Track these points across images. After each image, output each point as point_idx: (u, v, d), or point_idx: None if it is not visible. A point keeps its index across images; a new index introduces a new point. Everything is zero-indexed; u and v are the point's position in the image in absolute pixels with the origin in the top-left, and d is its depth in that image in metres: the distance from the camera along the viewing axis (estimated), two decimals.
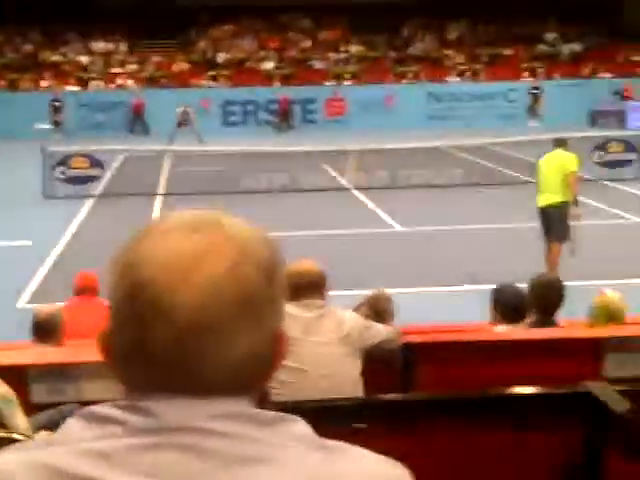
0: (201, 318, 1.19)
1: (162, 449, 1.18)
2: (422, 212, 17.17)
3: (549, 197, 11.77)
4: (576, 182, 11.92)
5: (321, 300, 5.08)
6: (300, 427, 1.25)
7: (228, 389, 1.22)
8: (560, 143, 12.27)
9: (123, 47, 39.68)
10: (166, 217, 1.30)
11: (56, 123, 34.56)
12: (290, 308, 4.94)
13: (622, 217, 16.58)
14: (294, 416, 1.26)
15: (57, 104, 34.71)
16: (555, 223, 11.69)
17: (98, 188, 20.55)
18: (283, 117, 36.25)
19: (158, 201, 18.76)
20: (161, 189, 20.62)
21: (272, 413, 1.25)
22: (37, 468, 1.19)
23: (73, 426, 1.24)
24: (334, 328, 5.00)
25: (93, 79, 37.50)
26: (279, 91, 36.54)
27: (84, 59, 38.61)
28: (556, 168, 11.79)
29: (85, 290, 7.89)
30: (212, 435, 1.19)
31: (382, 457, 1.28)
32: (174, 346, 1.19)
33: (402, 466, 1.29)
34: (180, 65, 38.64)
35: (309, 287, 5.03)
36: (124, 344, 1.22)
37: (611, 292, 6.34)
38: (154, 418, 1.20)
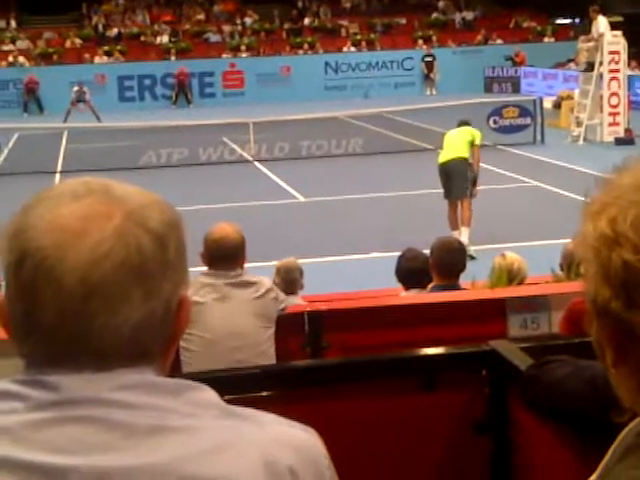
0: (89, 284, 1.16)
1: (65, 423, 1.16)
2: (324, 182, 17.23)
3: (450, 154, 11.98)
4: (479, 157, 12.13)
5: (238, 269, 5.03)
6: (207, 394, 1.25)
7: (128, 359, 1.20)
8: (465, 123, 12.53)
9: (13, 23, 38.66)
10: (53, 186, 1.27)
11: None
12: (205, 277, 4.90)
13: (520, 181, 16.90)
14: (200, 384, 1.25)
15: None
16: (456, 178, 11.78)
17: None
18: (181, 90, 35.78)
19: (56, 179, 18.43)
20: (59, 167, 20.24)
21: (177, 381, 1.24)
22: None
23: None
24: (249, 294, 4.96)
25: None
26: (175, 65, 36.08)
27: None
28: (462, 134, 12.07)
29: None
30: (116, 406, 1.17)
31: (292, 422, 1.29)
32: (64, 314, 1.17)
33: (312, 430, 1.30)
34: (73, 41, 37.84)
35: (225, 256, 4.95)
36: (17, 315, 1.20)
37: (511, 254, 6.47)
38: (55, 392, 1.17)
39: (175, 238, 1.25)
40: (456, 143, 12.03)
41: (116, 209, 1.21)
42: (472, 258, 9.97)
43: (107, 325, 1.18)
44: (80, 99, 30.48)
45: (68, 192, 1.23)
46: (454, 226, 11.76)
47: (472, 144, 11.98)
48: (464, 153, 11.90)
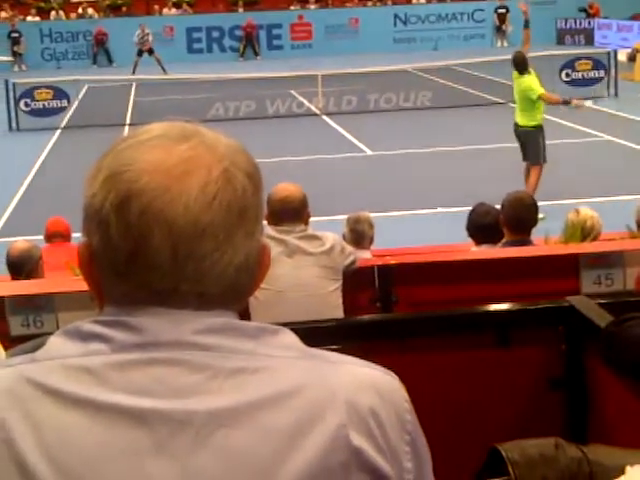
0: (200, 225, 1.16)
1: (149, 365, 1.16)
2: (392, 136, 17.11)
3: (520, 118, 11.66)
4: (550, 97, 11.82)
5: (302, 225, 5.06)
6: (287, 337, 1.24)
7: (219, 301, 1.21)
8: (518, 64, 11.69)
9: None
10: (144, 128, 1.25)
11: (15, 54, 33.88)
12: (271, 232, 4.93)
13: (593, 135, 16.61)
14: (280, 327, 1.25)
15: (15, 35, 33.97)
16: (528, 144, 11.57)
17: (64, 120, 20.29)
18: (248, 43, 35.74)
19: (125, 131, 18.57)
20: (128, 119, 20.39)
21: (258, 324, 1.24)
22: (19, 384, 1.17)
23: (57, 343, 1.21)
24: (314, 248, 4.99)
25: (53, 9, 36.76)
26: (243, 17, 36.02)
27: None
28: (524, 93, 11.55)
29: (56, 236, 7.78)
30: (199, 349, 1.17)
31: (373, 364, 1.28)
32: (175, 256, 1.16)
33: (393, 374, 1.28)
34: None
35: (291, 213, 5.00)
36: (117, 257, 1.18)
37: (585, 210, 6.36)
38: (141, 334, 1.18)
39: (261, 182, 1.26)
40: (522, 104, 11.55)
41: (214, 152, 1.21)
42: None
43: (215, 265, 1.19)
44: (144, 42, 30.57)
45: (164, 134, 1.22)
46: None
47: (536, 99, 11.43)
48: (533, 118, 11.49)
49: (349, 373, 1.23)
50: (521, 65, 11.62)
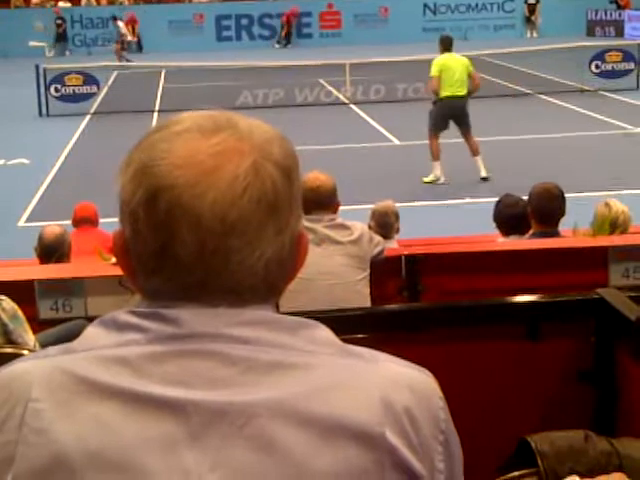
0: (228, 220, 1.16)
1: (185, 356, 1.16)
2: (420, 126, 17.01)
3: (457, 90, 12.65)
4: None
5: (332, 214, 5.08)
6: (323, 332, 1.24)
7: (252, 295, 1.20)
8: (446, 42, 13.18)
9: None
10: (177, 118, 1.25)
11: (59, 39, 34.08)
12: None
13: (622, 127, 16.47)
14: (316, 322, 1.25)
15: (59, 22, 34.13)
16: (467, 115, 12.68)
17: (94, 105, 20.37)
18: (289, 30, 35.63)
19: (154, 118, 18.62)
20: (157, 106, 20.44)
21: (295, 318, 1.23)
22: (55, 375, 1.17)
23: (93, 333, 1.21)
24: (343, 237, 5.01)
25: None
26: (273, 6, 35.99)
27: None
28: (462, 68, 12.70)
29: (84, 221, 7.82)
30: (237, 341, 1.17)
31: (407, 362, 1.28)
32: (203, 250, 1.16)
33: (427, 372, 1.28)
34: None
35: (321, 202, 5.02)
36: (149, 250, 1.18)
37: (614, 202, 6.32)
38: (175, 325, 1.18)
39: (296, 171, 1.25)
40: (461, 77, 12.58)
41: (245, 145, 1.19)
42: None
43: (244, 261, 1.18)
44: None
45: (195, 127, 1.21)
46: (437, 157, 12.75)
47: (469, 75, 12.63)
48: (466, 89, 12.65)
49: (384, 371, 1.23)
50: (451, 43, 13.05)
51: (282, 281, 1.25)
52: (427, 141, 12.82)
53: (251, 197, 1.17)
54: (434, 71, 12.73)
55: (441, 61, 12.80)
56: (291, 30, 35.63)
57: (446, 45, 13.05)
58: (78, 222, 7.83)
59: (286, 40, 35.48)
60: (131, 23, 34.46)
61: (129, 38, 31.04)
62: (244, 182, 1.17)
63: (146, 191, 1.17)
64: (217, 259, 1.17)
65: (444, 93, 12.64)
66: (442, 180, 12.72)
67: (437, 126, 12.85)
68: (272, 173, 1.19)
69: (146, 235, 1.18)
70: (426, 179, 12.78)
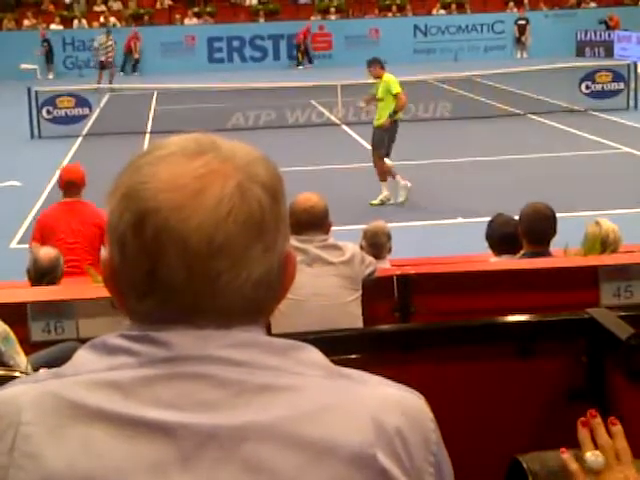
0: (215, 243, 1.15)
1: (176, 379, 1.16)
2: (411, 147, 17.09)
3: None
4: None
5: (324, 235, 5.08)
6: (313, 354, 1.24)
7: (241, 316, 1.20)
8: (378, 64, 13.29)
9: None
10: (162, 142, 1.25)
11: (48, 60, 33.94)
12: (292, 241, 4.95)
13: (612, 147, 16.54)
14: (305, 344, 1.24)
15: (45, 45, 34.01)
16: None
17: (85, 127, 20.38)
18: (305, 49, 35.58)
19: (146, 140, 18.64)
20: (149, 128, 20.46)
21: (284, 341, 1.23)
22: (46, 399, 1.17)
23: (83, 357, 1.21)
24: (335, 258, 5.00)
25: (76, 17, 36.89)
26: (263, 27, 36.09)
27: None
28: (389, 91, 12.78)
29: (70, 185, 7.95)
30: (227, 364, 1.17)
31: (398, 384, 1.28)
32: (190, 274, 1.16)
33: (418, 393, 1.28)
34: (163, 2, 38.09)
35: (313, 223, 5.02)
36: (137, 275, 1.18)
37: (605, 221, 6.34)
38: (167, 348, 1.18)
39: (282, 192, 1.25)
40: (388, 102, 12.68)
41: (229, 166, 1.20)
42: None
43: (232, 282, 1.18)
44: (106, 57, 28.54)
45: (180, 150, 1.21)
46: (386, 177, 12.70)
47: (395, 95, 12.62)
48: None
49: (375, 393, 1.23)
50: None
51: (271, 301, 1.25)
52: (388, 163, 12.76)
53: (236, 219, 1.17)
54: (398, 86, 12.80)
55: (396, 78, 12.89)
56: (307, 48, 35.67)
57: (383, 65, 13.22)
58: (65, 186, 8.04)
59: (307, 58, 35.49)
60: (133, 40, 34.43)
61: (109, 53, 29.71)
62: (229, 204, 1.17)
63: (133, 215, 1.17)
64: (205, 281, 1.17)
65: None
66: (392, 200, 12.70)
67: (390, 146, 12.92)
68: (258, 194, 1.19)
69: (134, 259, 1.18)
70: (375, 202, 12.70)
